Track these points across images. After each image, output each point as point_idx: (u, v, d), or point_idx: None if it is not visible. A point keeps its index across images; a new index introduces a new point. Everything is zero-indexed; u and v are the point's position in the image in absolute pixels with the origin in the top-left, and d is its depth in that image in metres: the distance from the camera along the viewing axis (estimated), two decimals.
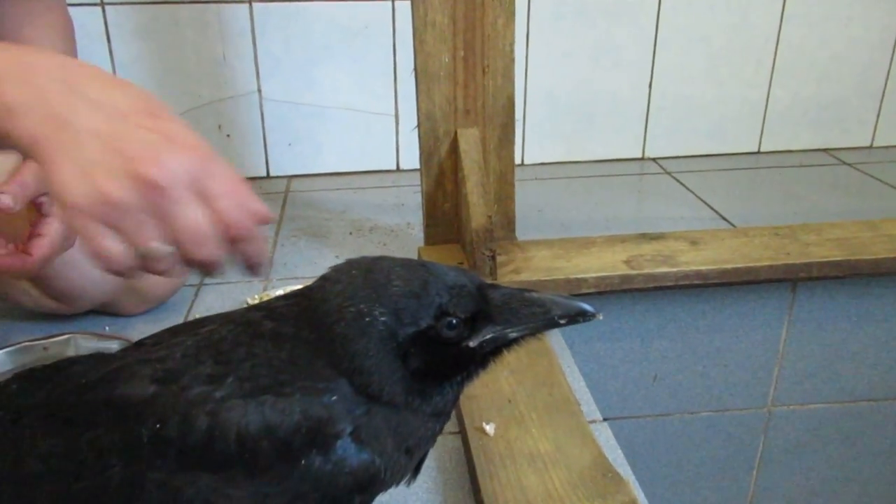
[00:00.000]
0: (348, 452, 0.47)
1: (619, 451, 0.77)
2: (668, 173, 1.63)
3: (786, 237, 1.14)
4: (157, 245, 0.49)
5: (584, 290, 1.03)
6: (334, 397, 0.47)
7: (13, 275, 0.73)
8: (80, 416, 0.49)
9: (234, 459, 0.45)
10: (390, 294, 0.48)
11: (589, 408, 0.84)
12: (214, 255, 0.50)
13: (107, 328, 1.02)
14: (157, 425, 0.46)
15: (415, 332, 0.48)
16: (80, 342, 0.88)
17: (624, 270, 1.05)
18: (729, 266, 1.07)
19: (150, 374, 0.49)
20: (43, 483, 0.49)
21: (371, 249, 1.28)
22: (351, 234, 1.35)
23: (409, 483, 0.54)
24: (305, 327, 0.49)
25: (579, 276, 1.04)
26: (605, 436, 0.79)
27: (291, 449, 0.46)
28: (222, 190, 0.50)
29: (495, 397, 0.82)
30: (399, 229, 1.36)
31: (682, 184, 1.57)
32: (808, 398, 1.29)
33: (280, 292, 1.03)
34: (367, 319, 0.48)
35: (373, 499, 0.50)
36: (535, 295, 0.51)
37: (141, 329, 1.02)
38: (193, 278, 1.16)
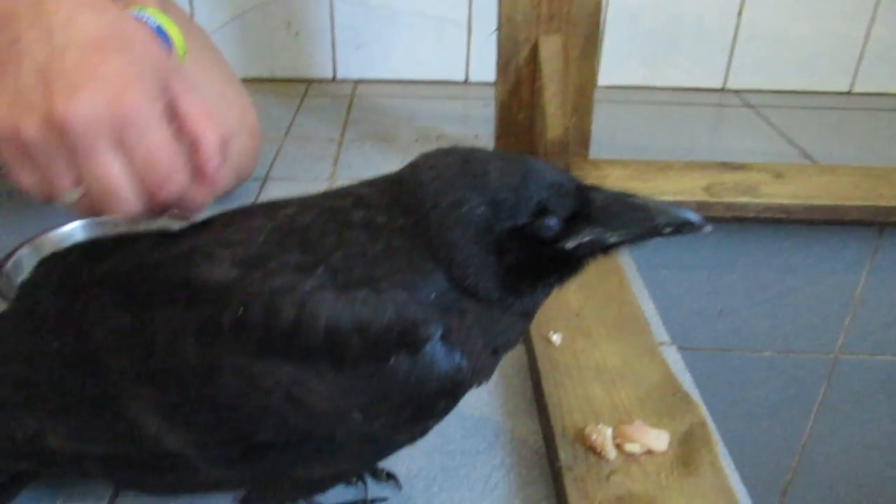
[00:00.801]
0: (437, 356, 0.45)
1: (688, 375, 0.74)
2: (751, 107, 1.55)
3: (879, 178, 1.07)
4: (69, 188, 0.47)
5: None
6: (432, 294, 0.45)
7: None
8: (151, 293, 0.48)
9: (319, 352, 0.44)
10: (488, 185, 0.46)
11: (658, 329, 0.81)
12: (129, 206, 0.48)
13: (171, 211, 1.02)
14: (240, 311, 0.45)
15: (512, 226, 0.46)
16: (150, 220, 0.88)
17: (702, 197, 1.00)
18: (816, 202, 1.01)
19: (230, 257, 0.47)
20: (110, 357, 0.48)
21: None
22: (417, 141, 1.32)
23: (484, 382, 0.52)
24: (399, 216, 0.46)
25: (656, 198, 0.99)
26: (673, 359, 0.76)
27: (380, 348, 0.44)
28: (148, 144, 0.47)
29: (563, 309, 0.80)
30: (466, 140, 1.33)
31: (765, 119, 1.49)
32: (878, 349, 1.24)
33: None
34: (466, 208, 0.45)
35: (456, 404, 0.48)
36: (639, 200, 0.47)
37: (205, 216, 1.02)
38: (260, 171, 1.16)
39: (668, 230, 0.46)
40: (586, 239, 0.47)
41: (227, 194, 1.07)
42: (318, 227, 0.48)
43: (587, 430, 0.62)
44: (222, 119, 0.96)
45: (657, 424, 0.64)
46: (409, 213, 0.46)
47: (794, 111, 1.53)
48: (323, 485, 0.52)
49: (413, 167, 0.48)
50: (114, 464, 0.50)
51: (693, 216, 0.47)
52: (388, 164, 1.22)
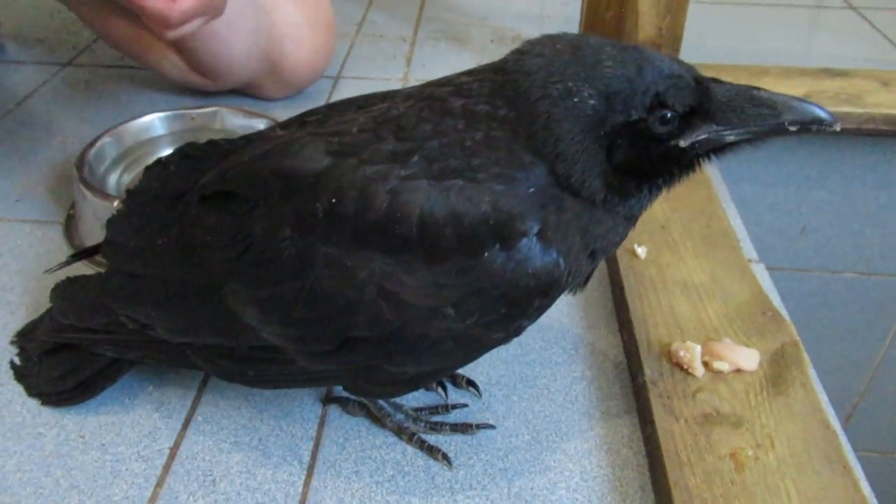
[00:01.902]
0: (533, 252, 0.43)
1: (777, 294, 0.71)
2: (853, 8, 1.43)
3: None
4: None
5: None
6: (531, 189, 0.43)
7: (158, 23, 0.70)
8: (248, 189, 0.47)
9: (412, 243, 0.42)
10: (601, 75, 0.42)
11: (747, 246, 0.78)
12: None
13: (247, 108, 1.01)
14: (333, 199, 0.44)
15: (625, 121, 0.43)
16: (226, 115, 0.87)
17: None
18: None
19: (323, 146, 0.46)
20: (210, 253, 0.48)
21: None
22: (492, 41, 1.26)
23: (578, 290, 0.51)
24: (503, 105, 0.44)
25: None
26: (762, 276, 0.73)
27: (474, 241, 0.42)
28: None
29: (648, 221, 0.77)
30: None
31: (868, 20, 1.37)
32: None
33: None
34: (576, 100, 0.42)
35: (551, 304, 0.47)
36: (764, 94, 0.44)
37: (280, 114, 1.00)
38: (332, 69, 1.13)
39: (794, 128, 0.43)
40: (703, 136, 0.44)
41: (301, 91, 1.05)
42: (414, 115, 0.46)
43: (674, 347, 0.61)
44: (298, 9, 0.94)
45: (746, 343, 0.62)
46: (512, 102, 0.43)
47: None
48: (414, 383, 0.52)
49: (519, 54, 0.45)
50: (216, 355, 0.51)
51: (823, 112, 0.43)
52: (463, 64, 1.17)
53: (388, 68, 1.16)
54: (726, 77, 1.01)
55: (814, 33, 1.35)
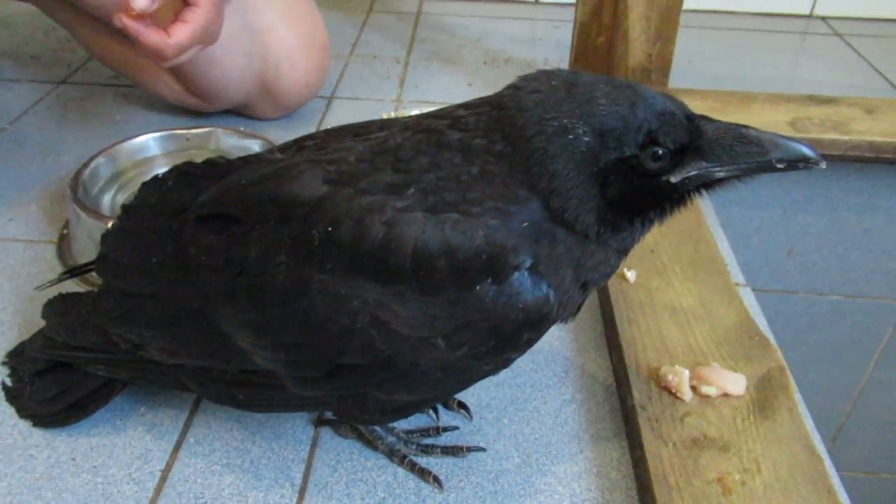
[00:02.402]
0: (524, 286, 0.44)
1: (764, 318, 0.72)
2: (839, 35, 1.46)
3: None
4: None
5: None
6: (525, 223, 0.44)
7: (153, 56, 0.71)
8: (244, 212, 0.48)
9: (406, 274, 0.43)
10: (596, 112, 0.43)
11: (734, 270, 0.79)
12: None
13: (242, 129, 1.02)
14: (330, 228, 0.44)
15: (618, 157, 0.44)
16: (221, 136, 0.88)
17: (788, 132, 0.95)
18: None
19: (321, 174, 0.46)
20: (205, 274, 0.49)
21: (506, 81, 1.20)
22: (485, 63, 1.28)
23: (570, 320, 0.52)
24: (499, 140, 0.45)
25: None
26: (749, 300, 0.74)
27: (467, 273, 0.43)
28: None
29: (637, 245, 0.77)
30: (536, 64, 1.28)
31: (853, 48, 1.40)
32: None
33: (416, 112, 0.99)
34: (571, 137, 0.43)
35: (540, 337, 0.47)
36: (752, 132, 0.45)
37: (274, 134, 1.01)
38: (326, 90, 1.14)
39: (781, 166, 0.44)
40: (693, 173, 0.45)
41: (295, 111, 1.06)
42: (411, 146, 0.46)
43: (662, 371, 0.62)
44: (292, 32, 0.95)
45: (734, 367, 0.63)
46: (508, 138, 0.44)
47: (885, 40, 1.44)
48: (404, 412, 0.52)
49: (514, 90, 0.46)
50: (208, 377, 0.51)
51: (809, 150, 0.44)
52: (456, 86, 1.19)
53: (381, 89, 1.17)
54: (715, 103, 1.04)
55: (800, 60, 1.38)
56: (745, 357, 0.65)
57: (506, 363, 0.48)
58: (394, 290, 0.44)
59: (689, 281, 0.73)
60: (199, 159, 0.86)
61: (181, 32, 0.73)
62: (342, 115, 1.09)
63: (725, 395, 0.60)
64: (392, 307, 0.44)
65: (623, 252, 0.49)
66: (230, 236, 0.48)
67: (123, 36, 0.71)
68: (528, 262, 0.43)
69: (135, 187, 0.82)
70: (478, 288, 0.43)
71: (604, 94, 0.44)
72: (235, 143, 0.87)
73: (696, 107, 1.04)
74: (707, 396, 0.60)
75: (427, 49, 1.32)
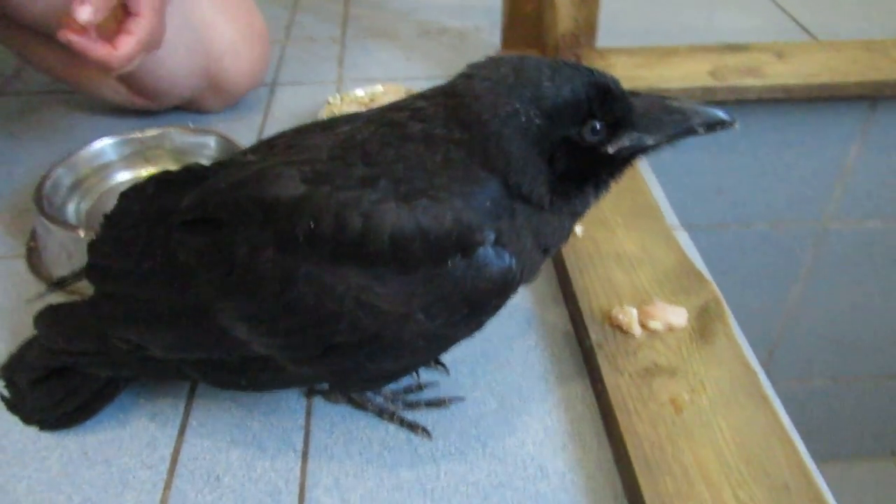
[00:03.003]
0: (489, 259, 0.49)
1: (698, 255, 0.80)
2: None
3: (876, 52, 1.10)
4: None
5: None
6: (487, 202, 0.49)
7: (100, 67, 0.74)
8: (230, 216, 0.52)
9: (385, 258, 0.48)
10: (544, 95, 0.48)
11: (669, 215, 0.86)
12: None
13: (190, 124, 1.04)
14: (312, 224, 0.49)
15: (563, 135, 0.49)
16: (174, 135, 0.91)
17: (708, 82, 1.03)
18: (816, 81, 1.04)
19: (298, 175, 0.51)
20: (197, 275, 0.53)
21: (443, 52, 1.25)
22: (420, 36, 1.32)
23: (532, 280, 0.57)
24: (457, 128, 0.49)
25: (662, 86, 1.02)
26: (684, 241, 0.82)
27: (440, 252, 0.48)
28: None
29: None
30: (469, 32, 1.33)
31: None
32: (865, 215, 1.31)
33: (360, 92, 1.03)
34: (523, 119, 0.48)
35: (506, 301, 0.53)
36: (675, 103, 0.51)
37: (224, 126, 1.04)
38: (268, 77, 1.17)
39: (701, 130, 0.51)
40: (627, 143, 0.51)
41: (240, 99, 1.09)
42: (377, 140, 0.51)
43: (614, 312, 0.69)
44: (232, 25, 0.97)
45: (675, 302, 0.71)
46: (465, 125, 0.49)
47: None
48: (392, 377, 0.58)
49: (467, 78, 0.51)
50: (211, 368, 0.56)
51: (724, 114, 0.51)
52: (394, 61, 1.23)
53: (321, 71, 1.20)
54: (640, 59, 1.10)
55: (715, 8, 1.45)
56: (685, 292, 0.72)
57: (479, 326, 0.54)
58: (374, 273, 0.49)
59: (630, 229, 0.81)
60: (156, 160, 0.91)
61: (127, 44, 0.75)
62: (287, 101, 1.12)
63: (670, 327, 0.68)
64: (374, 289, 0.49)
65: (576, 216, 0.55)
66: (217, 239, 0.52)
67: (66, 48, 0.73)
68: (492, 237, 0.49)
69: (96, 194, 0.86)
70: (449, 264, 0.48)
71: (548, 77, 0.49)
72: (190, 140, 0.90)
73: (625, 64, 1.11)
74: (654, 331, 0.68)
75: (362, 26, 1.35)
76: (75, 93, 1.09)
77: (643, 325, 0.68)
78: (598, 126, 0.50)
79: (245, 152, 0.58)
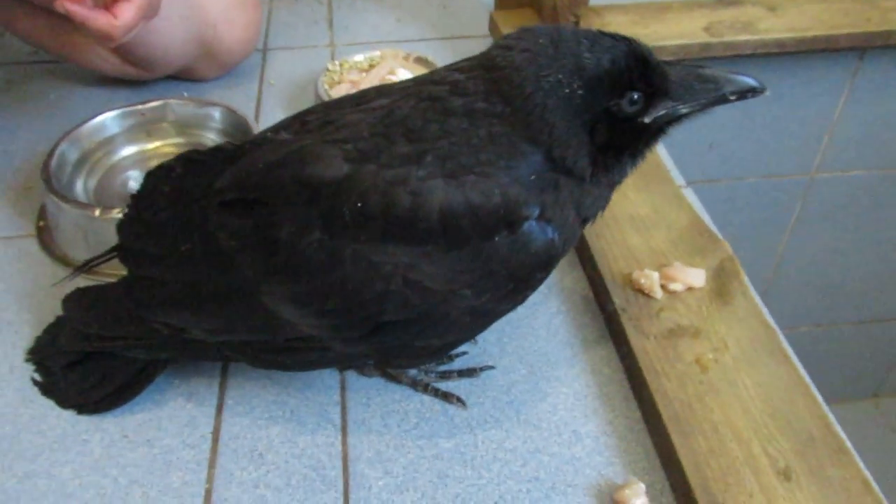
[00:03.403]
0: (534, 233, 0.50)
1: (707, 214, 0.82)
2: None
3: (864, 2, 1.12)
4: None
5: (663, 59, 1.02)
6: (532, 176, 0.49)
7: (99, 38, 0.72)
8: (270, 195, 0.51)
9: (434, 235, 0.48)
10: (585, 66, 0.49)
11: (675, 175, 0.88)
12: None
13: (185, 94, 1.02)
14: (359, 203, 0.49)
15: (605, 105, 0.50)
16: (175, 107, 0.89)
17: (704, 38, 1.04)
18: (808, 34, 1.05)
19: (340, 154, 0.50)
20: (240, 256, 0.52)
21: (433, 12, 1.24)
22: None
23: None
24: (499, 101, 0.49)
25: (659, 43, 1.02)
26: (692, 200, 0.84)
27: (487, 227, 0.49)
28: None
29: None
30: None
31: None
32: (850, 165, 1.34)
33: (359, 57, 1.02)
34: (567, 91, 0.48)
35: (549, 274, 0.54)
36: (708, 71, 0.52)
37: (220, 94, 1.02)
38: (258, 43, 1.14)
39: (733, 97, 0.52)
40: (662, 112, 0.52)
41: (235, 67, 1.06)
42: (419, 116, 0.51)
43: (634, 275, 0.71)
44: None
45: (692, 263, 0.73)
46: (508, 98, 0.49)
47: None
48: (438, 353, 0.59)
49: (504, 50, 0.51)
50: (255, 349, 0.56)
51: (754, 82, 0.51)
52: (385, 23, 1.21)
53: (312, 35, 1.18)
54: (634, 16, 1.10)
55: None
56: (700, 253, 0.74)
57: (523, 300, 0.55)
58: (422, 251, 0.49)
59: (642, 191, 0.82)
60: (158, 134, 0.89)
61: (127, 12, 0.73)
62: (280, 66, 1.10)
63: (690, 288, 0.70)
64: (422, 267, 0.49)
65: (613, 187, 0.56)
66: (259, 220, 0.52)
67: (54, 18, 0.71)
68: (537, 212, 0.50)
69: (102, 169, 0.84)
70: (496, 239, 0.49)
71: (587, 47, 0.49)
72: (192, 111, 0.88)
73: (620, 21, 1.11)
74: (675, 292, 0.70)
75: None
76: (62, 62, 1.06)
77: (664, 288, 0.70)
78: (636, 97, 0.50)
79: (276, 129, 0.57)
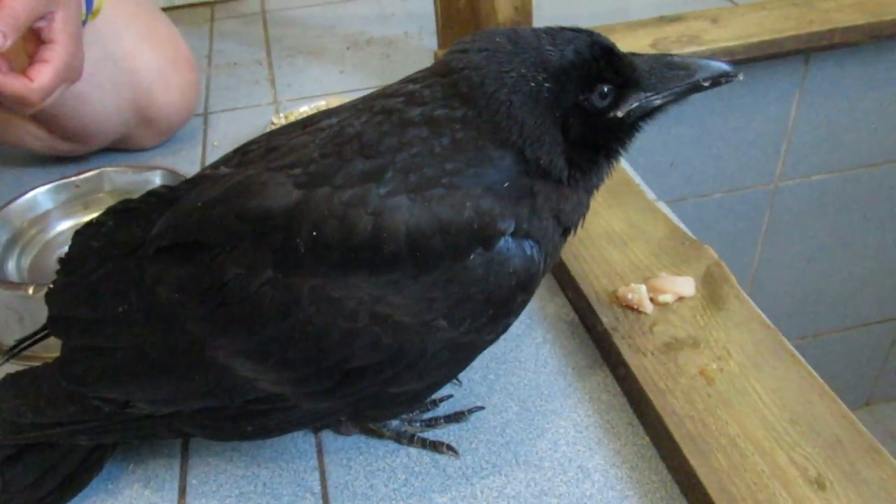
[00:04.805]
0: (511, 251, 0.45)
1: (683, 224, 0.78)
2: None
3: (803, 6, 1.12)
4: None
5: None
6: (506, 183, 0.45)
7: (16, 104, 0.67)
8: (212, 237, 0.46)
9: (401, 259, 0.43)
10: (548, 59, 0.45)
11: (646, 188, 0.84)
12: None
13: (133, 164, 0.96)
14: (314, 233, 0.43)
15: (574, 99, 0.46)
16: (113, 175, 0.84)
17: (652, 54, 1.02)
18: (754, 40, 1.05)
19: (288, 180, 0.45)
20: (183, 311, 0.46)
21: (376, 62, 1.21)
22: (348, 48, 1.27)
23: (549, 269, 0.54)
24: (459, 105, 0.45)
25: None
26: (667, 211, 0.80)
27: (460, 246, 0.44)
28: None
29: None
30: (398, 39, 1.29)
31: None
32: (812, 170, 1.33)
33: (304, 108, 0.98)
34: (533, 84, 0.45)
35: (531, 296, 0.49)
36: (677, 58, 0.48)
37: (162, 161, 0.97)
38: (198, 107, 1.10)
39: (707, 83, 0.48)
40: (635, 104, 0.48)
41: (177, 132, 1.02)
42: (374, 130, 0.46)
43: (621, 291, 0.66)
44: (157, 53, 0.91)
45: (679, 273, 0.68)
46: (469, 100, 0.45)
47: None
48: (418, 399, 0.53)
49: (460, 52, 0.47)
50: (209, 418, 0.49)
51: (727, 66, 0.48)
52: (327, 76, 1.18)
53: (254, 95, 1.14)
54: None
55: None
56: (685, 261, 0.70)
57: (505, 329, 0.50)
58: (389, 279, 0.44)
59: (613, 207, 0.78)
60: (96, 205, 0.83)
61: (44, 74, 0.68)
62: (224, 127, 1.06)
63: (680, 298, 0.66)
64: (390, 299, 0.44)
65: (590, 192, 0.52)
66: (200, 265, 0.46)
67: None
68: (513, 225, 0.45)
69: (37, 247, 0.78)
70: (471, 257, 0.44)
71: (548, 41, 0.46)
72: (130, 178, 0.83)
73: None
74: (665, 304, 0.65)
75: (286, 45, 1.30)
76: None
77: (653, 301, 0.65)
78: (606, 90, 0.47)
79: (216, 165, 0.52)
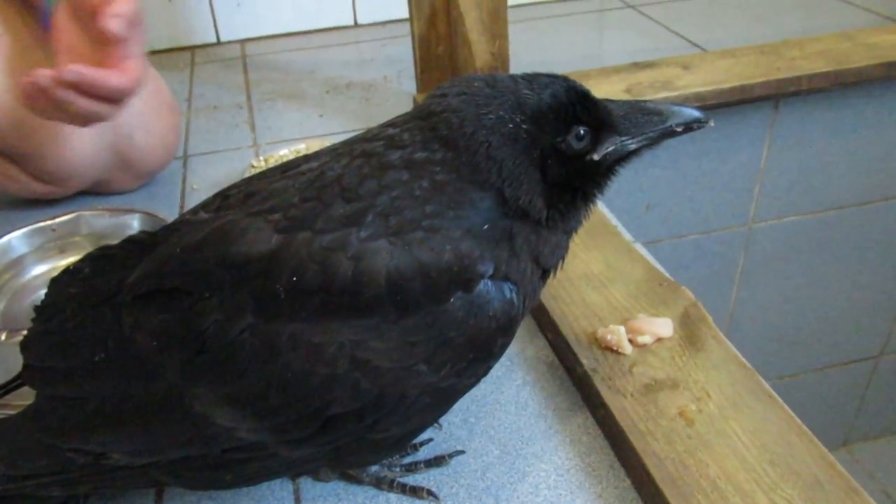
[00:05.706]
0: (491, 294, 0.45)
1: (660, 266, 0.79)
2: (631, 6, 1.61)
3: (770, 54, 1.16)
4: None
5: None
6: (485, 225, 0.45)
7: (116, 96, 0.72)
8: (191, 283, 0.46)
9: (382, 303, 0.43)
10: (526, 102, 0.46)
11: (622, 230, 0.86)
12: None
13: (110, 207, 0.96)
14: (294, 278, 0.43)
15: (552, 141, 0.47)
16: (90, 219, 0.83)
17: (627, 97, 1.04)
18: (725, 86, 1.08)
19: (268, 225, 0.45)
20: (161, 359, 0.46)
21: (356, 105, 1.23)
22: (328, 92, 1.29)
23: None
24: (439, 148, 0.46)
25: None
26: (645, 253, 0.81)
27: (440, 289, 0.44)
28: None
29: None
30: (377, 83, 1.31)
31: (646, 15, 1.55)
32: (784, 212, 1.36)
33: (284, 151, 0.99)
34: (511, 126, 0.45)
35: (511, 339, 0.49)
36: (651, 104, 0.50)
37: (140, 205, 0.97)
38: (180, 150, 1.10)
39: (680, 129, 0.49)
40: (611, 148, 0.49)
41: (156, 175, 1.02)
42: (354, 173, 0.46)
43: (600, 333, 0.66)
44: (139, 97, 0.91)
45: (657, 314, 0.69)
46: (449, 142, 0.46)
47: (669, 5, 1.60)
48: (399, 445, 0.52)
49: (439, 97, 0.48)
50: (186, 468, 0.48)
51: (699, 113, 0.50)
52: (307, 119, 1.19)
53: (234, 138, 1.15)
54: None
55: (609, 35, 1.50)
56: (663, 302, 0.71)
57: (485, 372, 0.50)
58: (369, 324, 0.44)
59: (592, 249, 0.79)
60: (72, 249, 0.82)
61: (133, 60, 0.73)
62: (203, 171, 1.06)
63: (659, 339, 0.66)
64: (370, 344, 0.44)
65: (569, 234, 0.52)
66: (178, 312, 0.46)
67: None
68: (492, 268, 0.45)
69: (11, 293, 0.76)
70: (451, 301, 0.44)
71: (525, 85, 0.47)
72: (108, 222, 0.82)
73: None
74: (644, 345, 0.65)
75: (266, 90, 1.31)
76: None
77: (632, 342, 0.66)
78: (582, 131, 0.48)
79: (195, 210, 0.52)
